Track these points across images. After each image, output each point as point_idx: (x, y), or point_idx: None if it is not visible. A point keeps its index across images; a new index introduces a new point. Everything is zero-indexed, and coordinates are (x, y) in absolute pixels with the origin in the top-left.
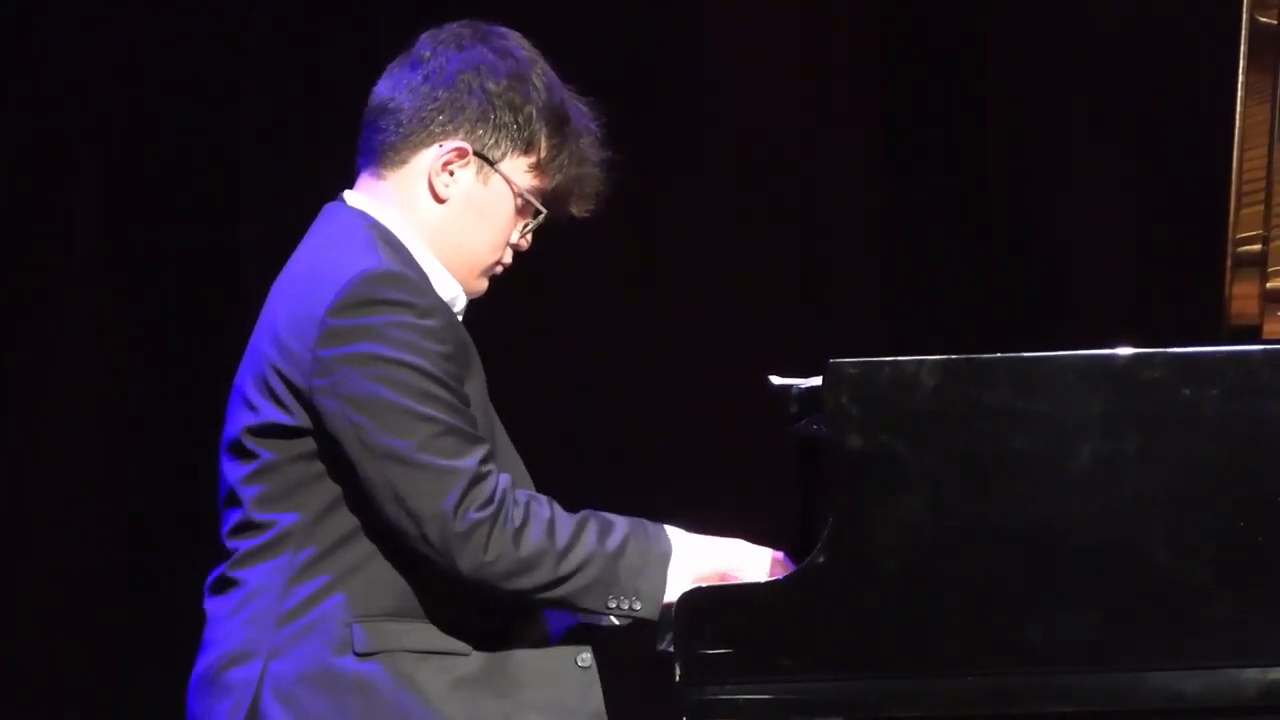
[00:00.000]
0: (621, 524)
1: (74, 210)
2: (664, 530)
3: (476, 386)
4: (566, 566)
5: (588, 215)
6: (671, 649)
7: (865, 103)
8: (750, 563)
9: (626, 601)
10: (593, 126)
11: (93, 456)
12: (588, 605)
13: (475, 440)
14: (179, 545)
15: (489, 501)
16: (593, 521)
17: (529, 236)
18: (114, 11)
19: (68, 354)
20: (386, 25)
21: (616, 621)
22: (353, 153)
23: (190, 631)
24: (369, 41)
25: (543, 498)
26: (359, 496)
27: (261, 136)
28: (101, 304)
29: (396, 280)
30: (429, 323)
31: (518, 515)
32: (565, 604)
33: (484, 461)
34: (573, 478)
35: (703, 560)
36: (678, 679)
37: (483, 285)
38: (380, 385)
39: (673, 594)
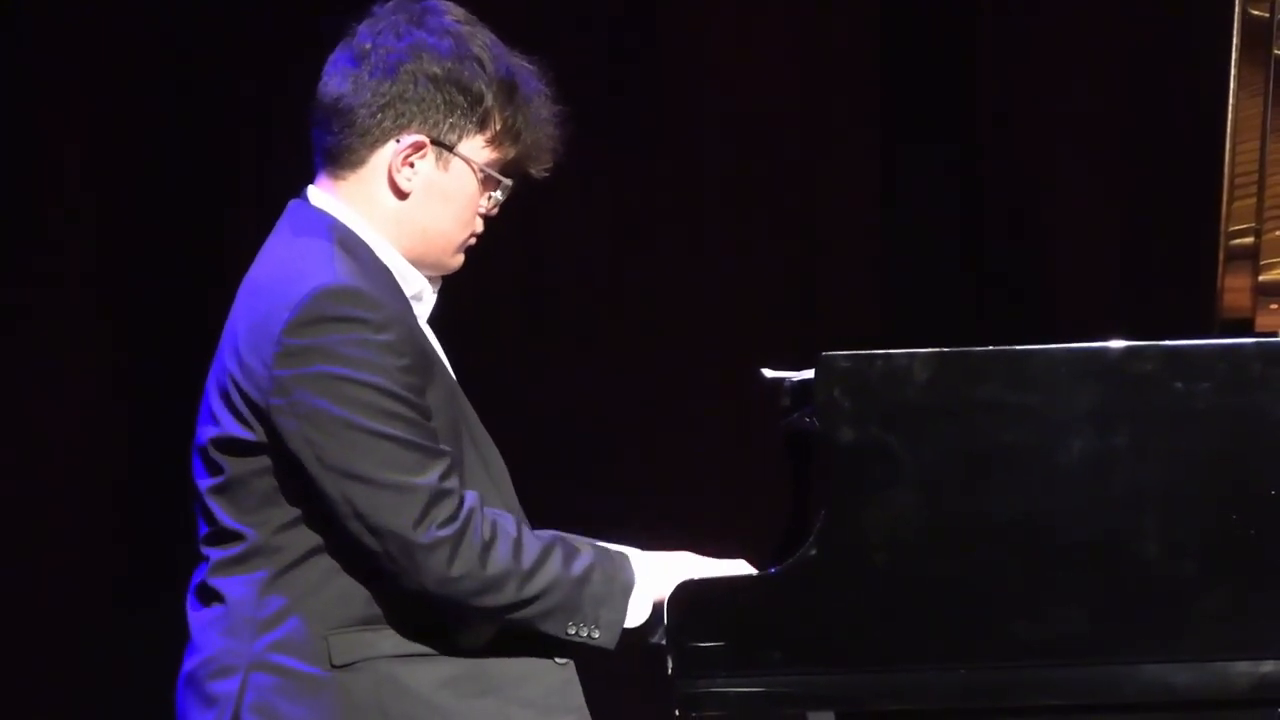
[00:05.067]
0: (586, 551)
1: (66, 212)
2: (628, 560)
3: (439, 392)
4: (531, 589)
5: (547, 174)
6: (663, 642)
7: (861, 98)
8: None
9: (586, 629)
10: (541, 86)
11: (86, 459)
12: (548, 629)
13: (436, 455)
14: (173, 545)
15: (453, 518)
16: (559, 546)
17: (498, 206)
18: (106, 10)
19: (60, 357)
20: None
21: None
22: None
23: (180, 635)
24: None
25: (510, 516)
26: (319, 514)
27: (252, 136)
28: (94, 307)
29: (351, 296)
30: (385, 336)
31: (486, 531)
32: (527, 625)
33: (445, 476)
34: (566, 474)
35: (664, 587)
36: (669, 672)
37: (458, 261)
38: (337, 404)
39: (632, 622)
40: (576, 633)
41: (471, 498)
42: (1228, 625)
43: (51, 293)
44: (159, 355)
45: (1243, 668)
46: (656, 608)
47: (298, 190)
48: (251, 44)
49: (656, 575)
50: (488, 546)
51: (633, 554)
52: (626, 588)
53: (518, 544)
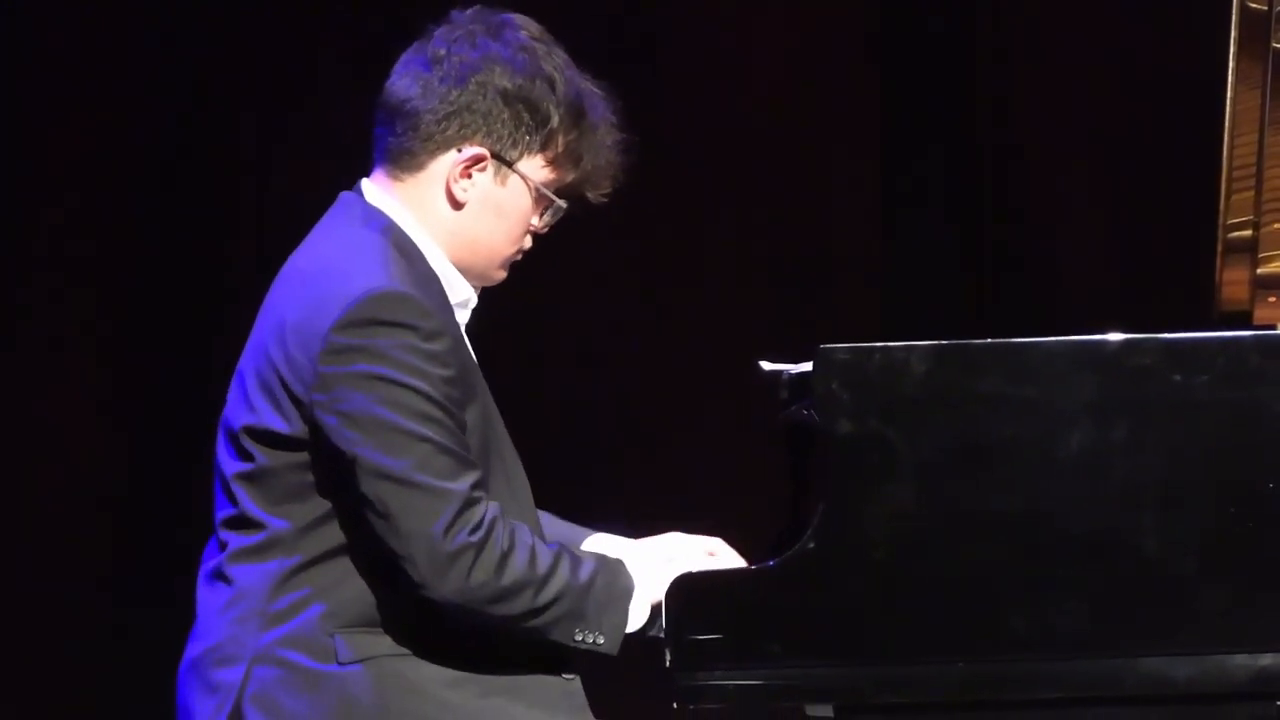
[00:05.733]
0: (589, 559)
1: (65, 216)
2: (624, 566)
3: (478, 408)
4: (544, 597)
5: (605, 200)
6: (662, 635)
7: (861, 93)
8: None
9: (591, 635)
10: (609, 115)
11: (82, 459)
12: (556, 637)
13: (469, 465)
14: (168, 543)
15: (478, 526)
16: (566, 555)
17: (549, 226)
18: (105, 15)
19: (60, 359)
20: (381, 32)
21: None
22: (344, 154)
23: (177, 631)
24: (362, 49)
25: (525, 526)
26: (347, 512)
27: (253, 140)
28: (94, 307)
29: (403, 301)
30: (432, 346)
31: (505, 541)
32: (535, 634)
33: (475, 486)
34: (566, 468)
35: (660, 590)
36: (668, 665)
37: (502, 274)
38: (378, 405)
39: (633, 627)
40: (583, 639)
41: (495, 508)
42: (1226, 618)
43: (51, 294)
44: (160, 357)
45: (1241, 660)
46: (654, 608)
47: (300, 194)
48: (253, 44)
49: (654, 579)
50: (506, 555)
51: (627, 557)
52: (627, 592)
53: (533, 553)
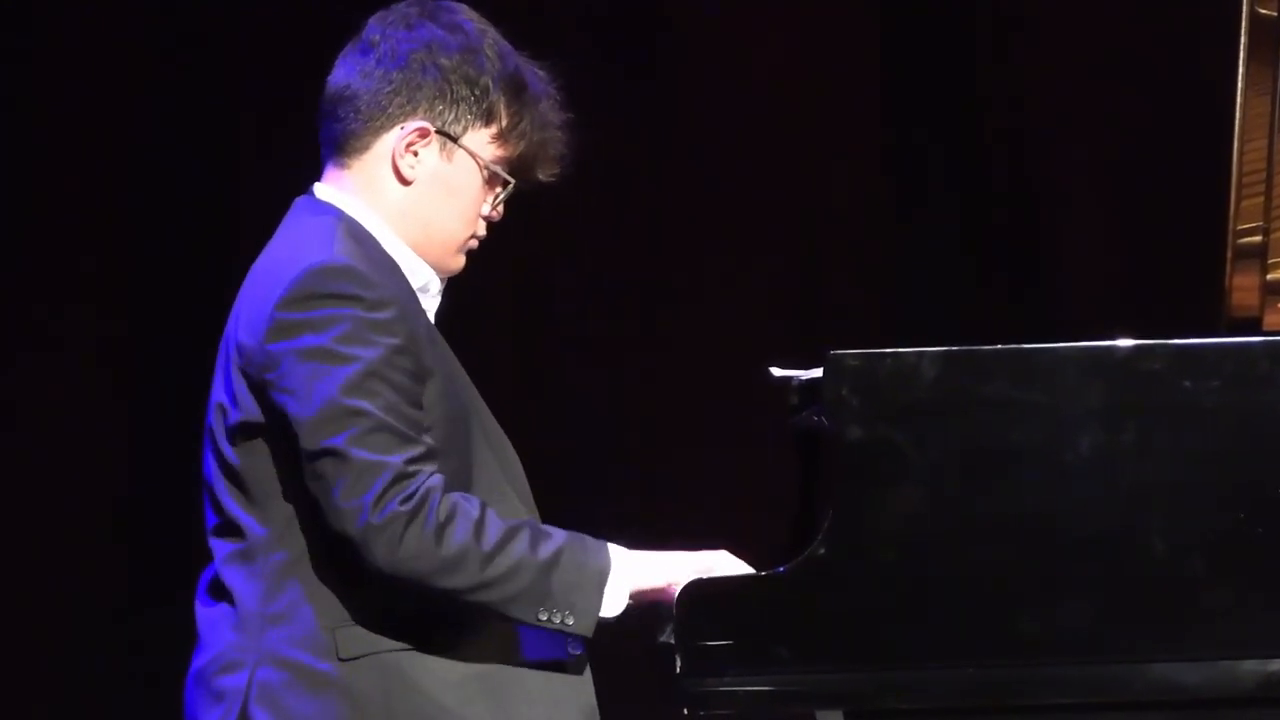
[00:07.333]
0: (558, 536)
1: (74, 219)
2: (605, 546)
3: (441, 381)
4: (493, 571)
5: (554, 180)
6: (671, 641)
7: (864, 94)
8: (695, 574)
9: (559, 615)
10: (550, 90)
11: (84, 462)
12: (517, 614)
13: (408, 439)
14: (170, 546)
15: (410, 497)
16: (526, 530)
17: (500, 208)
18: (105, 16)
19: (59, 359)
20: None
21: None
22: None
23: (180, 632)
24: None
25: (475, 499)
26: (314, 501)
27: (253, 144)
28: (94, 310)
29: (345, 273)
30: (378, 315)
31: (441, 513)
32: (494, 610)
33: (414, 461)
34: (571, 475)
35: (643, 577)
36: (678, 671)
37: (460, 262)
38: (318, 379)
39: (609, 611)
40: (549, 619)
41: (435, 480)
42: (1235, 623)
43: (52, 295)
44: (160, 358)
45: (1250, 666)
46: (646, 601)
47: (303, 189)
48: (253, 43)
49: (639, 565)
50: (443, 526)
51: (611, 544)
52: (600, 575)
53: (479, 525)
